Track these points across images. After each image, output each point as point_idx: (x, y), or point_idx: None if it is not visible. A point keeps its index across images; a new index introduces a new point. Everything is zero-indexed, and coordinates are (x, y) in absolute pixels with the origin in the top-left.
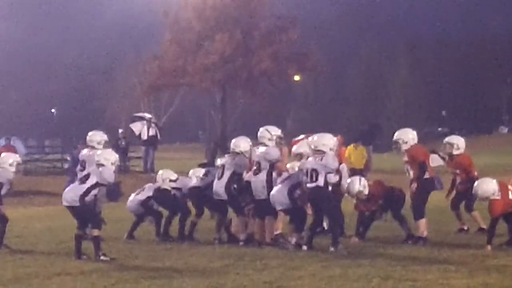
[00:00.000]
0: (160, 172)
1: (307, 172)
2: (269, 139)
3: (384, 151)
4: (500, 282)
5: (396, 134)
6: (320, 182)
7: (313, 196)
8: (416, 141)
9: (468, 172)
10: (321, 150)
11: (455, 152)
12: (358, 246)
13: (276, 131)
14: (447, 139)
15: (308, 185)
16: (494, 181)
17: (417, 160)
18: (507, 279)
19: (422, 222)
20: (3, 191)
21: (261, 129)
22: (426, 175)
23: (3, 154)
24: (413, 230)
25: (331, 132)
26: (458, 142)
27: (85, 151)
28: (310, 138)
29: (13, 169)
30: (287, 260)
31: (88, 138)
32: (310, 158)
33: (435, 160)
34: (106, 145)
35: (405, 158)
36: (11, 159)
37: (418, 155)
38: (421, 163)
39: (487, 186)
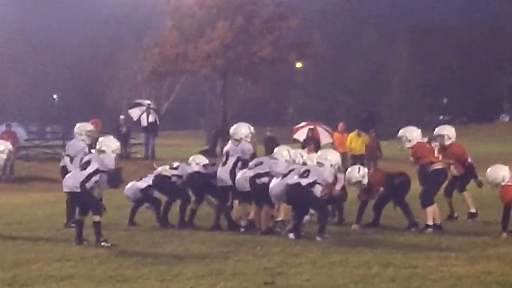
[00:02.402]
0: (160, 169)
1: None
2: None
3: (385, 138)
4: (501, 270)
5: (400, 131)
6: (304, 182)
7: (291, 193)
8: (420, 139)
9: (462, 160)
10: (321, 163)
11: (447, 143)
12: (359, 233)
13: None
14: (437, 131)
15: (289, 181)
16: (506, 167)
17: (420, 160)
18: (507, 266)
19: (430, 210)
20: None
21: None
22: (438, 166)
23: None
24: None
25: (332, 119)
26: (448, 133)
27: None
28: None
29: (4, 156)
30: (287, 246)
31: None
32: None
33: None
34: (89, 133)
35: (410, 155)
36: (2, 146)
37: (421, 155)
38: (424, 163)
39: (498, 172)
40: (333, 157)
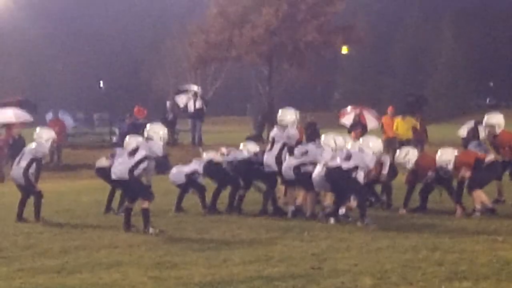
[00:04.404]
0: (204, 154)
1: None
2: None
3: (430, 122)
4: None
5: (437, 159)
6: (345, 166)
7: (331, 176)
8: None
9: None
10: (362, 150)
11: (497, 131)
12: (406, 218)
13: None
14: (486, 121)
15: (330, 163)
16: None
17: (470, 165)
18: None
19: (477, 193)
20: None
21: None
22: (490, 159)
23: (38, 129)
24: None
25: (378, 103)
26: (498, 121)
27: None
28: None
29: (48, 144)
30: (334, 232)
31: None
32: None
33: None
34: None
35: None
36: (47, 135)
37: (470, 163)
38: (474, 166)
39: None
40: (375, 144)
